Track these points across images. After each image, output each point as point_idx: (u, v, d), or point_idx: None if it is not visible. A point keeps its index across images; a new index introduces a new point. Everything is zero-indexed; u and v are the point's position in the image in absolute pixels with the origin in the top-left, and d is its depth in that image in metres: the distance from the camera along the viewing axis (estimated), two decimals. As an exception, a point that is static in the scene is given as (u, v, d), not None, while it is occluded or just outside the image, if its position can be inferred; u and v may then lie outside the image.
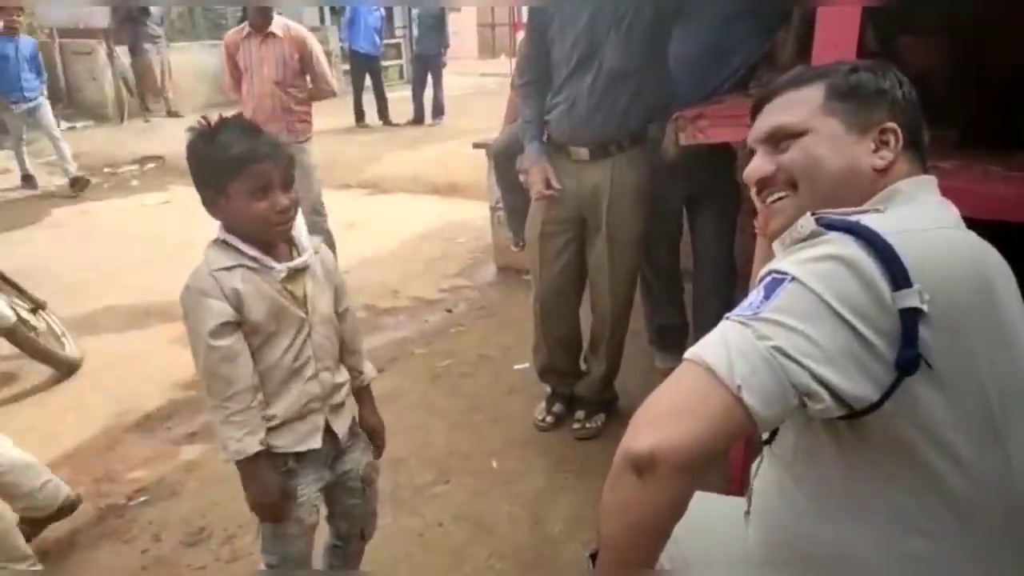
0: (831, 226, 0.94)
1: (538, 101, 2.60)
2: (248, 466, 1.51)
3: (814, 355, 0.87)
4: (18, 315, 3.31)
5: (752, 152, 1.16)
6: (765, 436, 1.15)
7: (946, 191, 1.07)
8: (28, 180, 7.32)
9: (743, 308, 0.93)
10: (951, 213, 1.03)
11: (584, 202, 2.60)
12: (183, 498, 2.56)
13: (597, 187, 2.55)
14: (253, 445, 1.48)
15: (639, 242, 2.70)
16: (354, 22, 9.57)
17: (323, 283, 1.63)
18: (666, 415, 0.89)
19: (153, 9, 10.68)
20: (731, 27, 2.63)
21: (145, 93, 10.72)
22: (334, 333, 1.66)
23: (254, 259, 1.50)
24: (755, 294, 0.93)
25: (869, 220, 0.94)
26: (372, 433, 1.81)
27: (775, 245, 1.05)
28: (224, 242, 1.51)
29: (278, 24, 3.97)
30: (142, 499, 2.57)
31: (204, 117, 1.49)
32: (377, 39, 9.80)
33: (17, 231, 5.91)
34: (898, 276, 0.87)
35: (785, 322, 0.88)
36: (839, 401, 0.88)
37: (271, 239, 1.53)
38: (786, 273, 0.92)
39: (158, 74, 10.72)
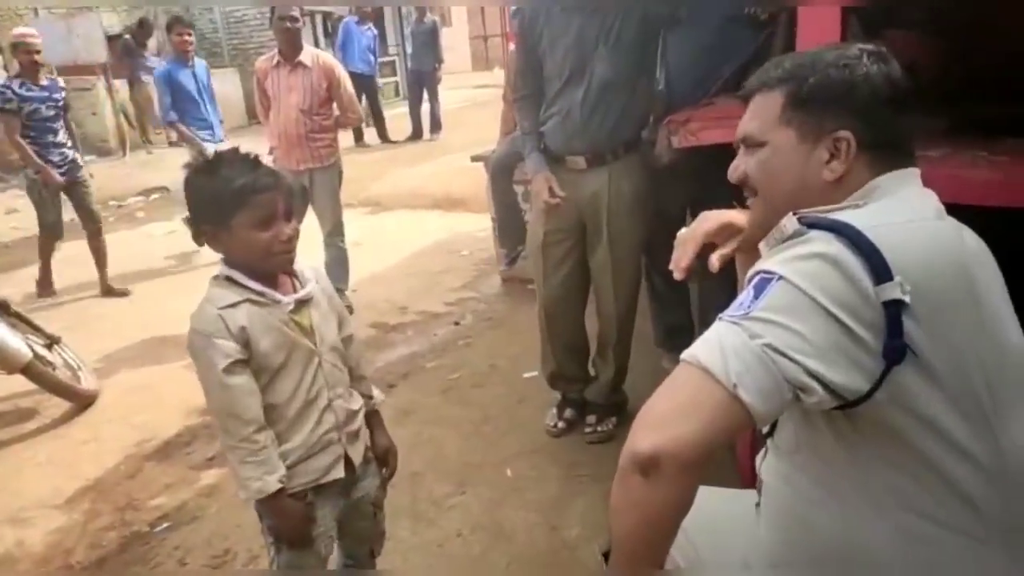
0: (813, 225, 0.97)
1: (535, 113, 2.65)
2: (271, 502, 1.52)
3: (805, 350, 0.90)
4: (34, 351, 3.35)
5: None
6: (766, 429, 1.19)
7: (935, 178, 1.10)
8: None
9: (734, 308, 0.96)
10: (930, 204, 1.05)
11: (584, 210, 2.64)
12: (205, 522, 2.60)
13: (596, 195, 2.59)
14: (272, 483, 1.49)
15: (640, 246, 2.73)
16: (347, 43, 9.64)
17: (327, 311, 1.64)
18: (667, 416, 0.92)
19: (150, 42, 10.82)
20: (727, 30, 2.67)
21: (146, 125, 10.84)
22: (341, 360, 1.67)
23: (259, 293, 1.50)
24: (745, 294, 0.97)
25: (849, 216, 0.97)
26: (385, 455, 1.81)
27: (761, 245, 1.08)
28: (228, 278, 1.51)
29: (308, 54, 4.10)
30: (165, 525, 2.61)
31: (201, 152, 1.50)
32: (371, 58, 9.86)
33: (29, 267, 5.96)
34: (879, 269, 0.91)
35: (775, 319, 0.91)
36: (831, 393, 0.91)
37: (274, 269, 1.54)
38: (773, 272, 0.95)
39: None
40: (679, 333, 3.24)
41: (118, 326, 4.52)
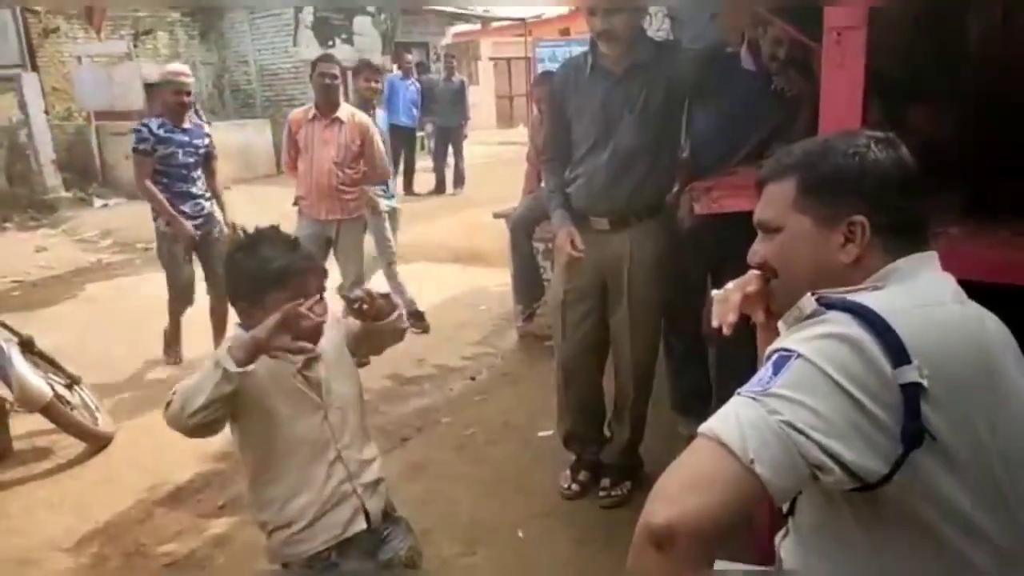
0: (831, 305, 0.98)
1: (561, 174, 2.72)
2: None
3: (822, 428, 0.90)
4: (54, 391, 3.38)
5: None
6: (786, 508, 1.17)
7: (955, 256, 1.11)
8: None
9: (753, 384, 0.97)
10: (949, 288, 1.06)
11: (605, 270, 2.66)
12: (213, 572, 2.57)
13: (618, 256, 2.62)
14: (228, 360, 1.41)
15: (660, 309, 2.74)
16: (392, 97, 9.85)
17: (335, 362, 1.67)
18: (683, 489, 0.92)
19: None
20: (752, 102, 2.72)
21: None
22: (350, 410, 1.68)
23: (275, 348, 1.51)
24: (764, 371, 0.97)
25: (867, 299, 0.98)
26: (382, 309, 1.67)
27: (779, 324, 1.08)
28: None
29: (344, 110, 4.25)
30: (172, 574, 2.58)
31: (242, 228, 1.56)
32: (415, 111, 10.04)
33: (53, 307, 6.05)
34: (897, 352, 0.91)
35: (793, 397, 0.92)
36: (849, 473, 0.91)
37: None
38: (792, 351, 0.96)
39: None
40: (696, 398, 3.21)
41: (137, 368, 4.55)
